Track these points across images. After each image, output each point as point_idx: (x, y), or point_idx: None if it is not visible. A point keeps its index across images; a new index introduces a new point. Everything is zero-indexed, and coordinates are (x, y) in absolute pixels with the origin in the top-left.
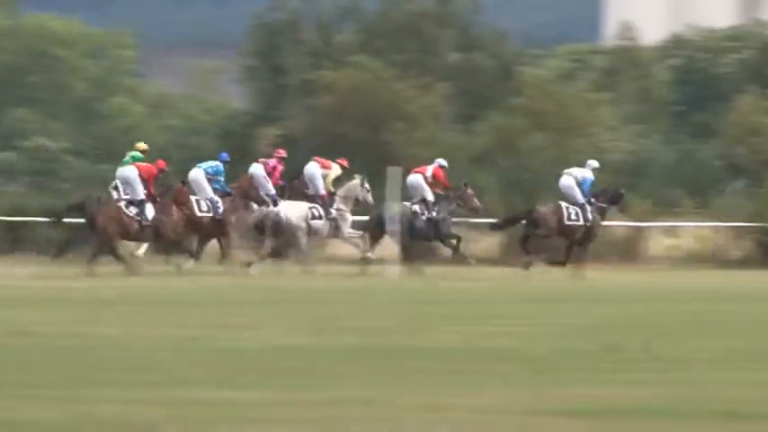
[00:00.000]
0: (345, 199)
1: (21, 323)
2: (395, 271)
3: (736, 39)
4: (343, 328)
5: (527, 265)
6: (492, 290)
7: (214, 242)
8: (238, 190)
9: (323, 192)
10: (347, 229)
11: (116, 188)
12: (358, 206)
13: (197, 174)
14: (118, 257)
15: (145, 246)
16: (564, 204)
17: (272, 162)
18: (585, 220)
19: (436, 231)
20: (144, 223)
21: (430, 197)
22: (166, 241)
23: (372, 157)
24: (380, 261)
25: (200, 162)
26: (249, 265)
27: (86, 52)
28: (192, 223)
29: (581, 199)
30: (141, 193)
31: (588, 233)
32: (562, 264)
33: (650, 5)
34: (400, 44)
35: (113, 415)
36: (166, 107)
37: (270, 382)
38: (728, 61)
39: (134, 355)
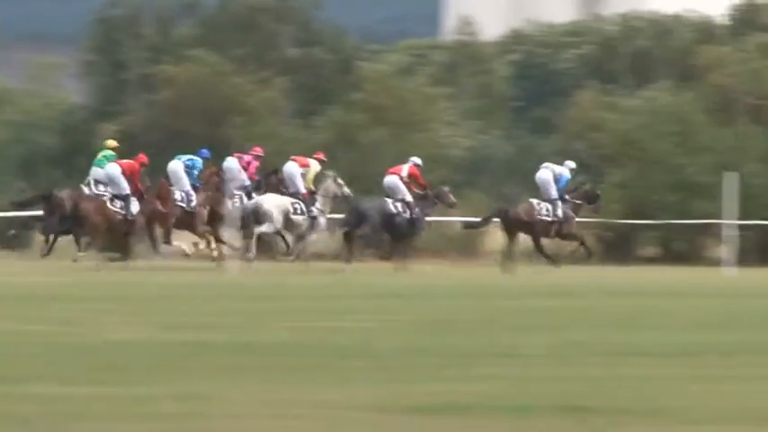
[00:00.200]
0: (324, 199)
1: None
2: (235, 266)
3: (575, 34)
4: (184, 323)
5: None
6: (336, 285)
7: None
8: (208, 184)
9: (303, 190)
10: (316, 232)
11: (88, 185)
12: (336, 202)
13: (176, 165)
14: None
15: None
16: (535, 201)
17: (247, 158)
18: (555, 215)
19: (413, 230)
20: (129, 218)
21: (409, 197)
22: (151, 235)
23: (212, 151)
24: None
25: (180, 155)
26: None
27: None
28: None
29: (554, 194)
30: (125, 188)
31: (560, 229)
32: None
33: (490, 0)
34: (239, 38)
35: None
36: (6, 102)
37: (101, 377)
38: (568, 56)
39: None
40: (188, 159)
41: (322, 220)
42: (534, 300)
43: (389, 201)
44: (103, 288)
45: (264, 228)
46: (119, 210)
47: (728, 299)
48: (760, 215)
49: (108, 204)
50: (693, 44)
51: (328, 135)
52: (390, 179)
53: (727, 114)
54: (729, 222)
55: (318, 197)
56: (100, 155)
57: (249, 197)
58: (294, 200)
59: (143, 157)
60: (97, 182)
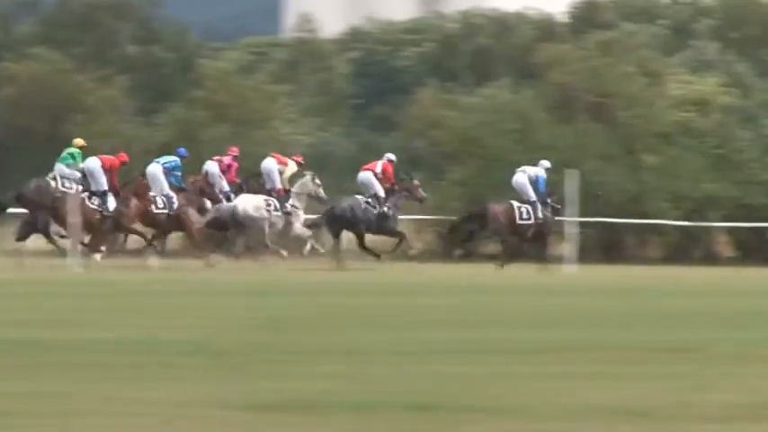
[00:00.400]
0: (299, 195)
1: None
2: (77, 263)
3: (415, 31)
4: (23, 320)
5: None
6: (180, 282)
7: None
8: (195, 186)
9: (279, 186)
10: (298, 226)
11: (54, 179)
12: (310, 201)
13: (154, 168)
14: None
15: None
16: (516, 204)
17: (227, 160)
18: (536, 218)
19: (382, 225)
20: (105, 214)
21: (381, 193)
22: (125, 232)
23: (54, 149)
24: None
25: (159, 157)
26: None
27: None
28: (149, 219)
29: (533, 196)
30: (104, 184)
31: (540, 231)
32: (502, 263)
33: None
34: (79, 36)
35: None
36: None
37: None
38: (408, 54)
39: None
40: (167, 162)
41: (300, 214)
42: (378, 297)
43: (359, 197)
44: None
45: (260, 237)
46: (96, 207)
47: (569, 296)
48: (601, 213)
49: (86, 201)
50: (534, 42)
51: (170, 132)
52: (364, 175)
53: (567, 112)
54: (571, 220)
55: (293, 194)
56: (65, 152)
57: (228, 201)
58: (267, 197)
59: (124, 156)
60: (63, 178)
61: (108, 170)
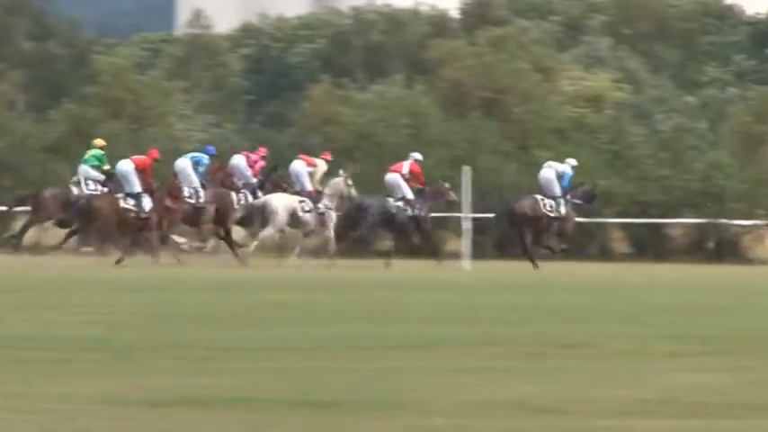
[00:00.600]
0: (331, 196)
1: None
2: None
3: (308, 28)
4: None
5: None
6: (84, 279)
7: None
8: (213, 179)
9: (310, 188)
10: (330, 228)
11: (77, 183)
12: (342, 201)
13: (183, 163)
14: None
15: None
16: (539, 197)
17: (255, 157)
18: (558, 212)
19: (418, 228)
20: (141, 215)
21: (410, 195)
22: (155, 232)
23: None
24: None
25: (187, 153)
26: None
27: None
28: (184, 215)
29: (558, 192)
30: (138, 186)
31: (561, 226)
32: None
33: None
34: None
35: None
36: None
37: None
38: (301, 50)
39: None
40: (194, 156)
41: (332, 215)
42: (277, 293)
43: (390, 199)
44: None
45: (266, 232)
46: (131, 207)
47: (465, 292)
48: (494, 208)
49: (121, 202)
50: (426, 38)
51: (64, 128)
52: (392, 176)
53: (460, 108)
54: (465, 215)
55: (325, 195)
56: (89, 153)
57: (254, 195)
58: (301, 198)
59: (155, 153)
60: (88, 180)
61: (141, 171)
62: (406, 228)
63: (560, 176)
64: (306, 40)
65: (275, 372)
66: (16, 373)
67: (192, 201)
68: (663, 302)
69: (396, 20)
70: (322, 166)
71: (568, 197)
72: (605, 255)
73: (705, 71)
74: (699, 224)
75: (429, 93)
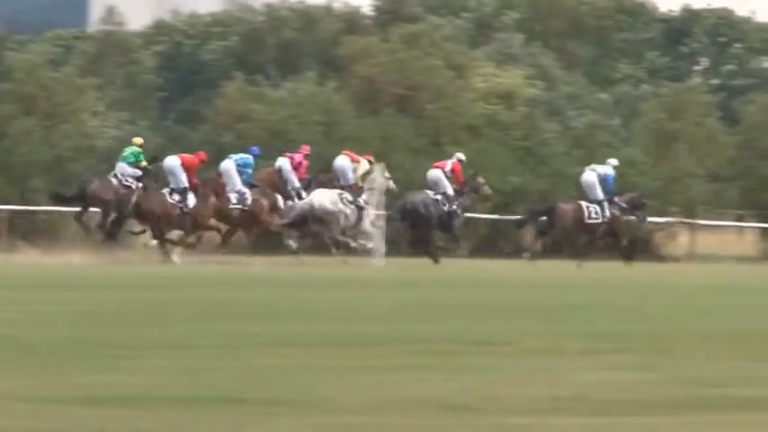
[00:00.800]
0: (370, 192)
1: None
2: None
3: (221, 25)
4: None
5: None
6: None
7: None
8: (264, 182)
9: (352, 182)
10: (368, 222)
11: (115, 176)
12: (385, 196)
13: (228, 165)
14: (162, 243)
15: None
16: (585, 204)
17: (298, 157)
18: (604, 216)
19: (448, 224)
20: (185, 211)
21: (451, 191)
22: (201, 229)
23: None
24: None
25: (232, 154)
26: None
27: None
28: (222, 215)
29: (600, 196)
30: (184, 181)
31: (610, 229)
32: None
33: None
34: None
35: None
36: None
37: None
38: (214, 47)
39: None
40: (240, 158)
41: (371, 211)
42: (199, 291)
43: (430, 192)
44: None
45: (334, 232)
46: (176, 203)
47: (378, 290)
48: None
49: (167, 198)
50: (339, 35)
51: None
52: (435, 173)
53: (373, 104)
54: (378, 213)
55: (365, 190)
56: (127, 151)
57: (299, 197)
58: (341, 191)
59: (202, 155)
60: (124, 176)
61: (187, 169)
62: (444, 222)
63: (603, 179)
64: (219, 38)
65: (186, 369)
66: None
67: (240, 206)
68: (576, 300)
69: (309, 17)
70: (364, 164)
71: (616, 199)
72: (519, 252)
73: (618, 68)
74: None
75: (342, 90)
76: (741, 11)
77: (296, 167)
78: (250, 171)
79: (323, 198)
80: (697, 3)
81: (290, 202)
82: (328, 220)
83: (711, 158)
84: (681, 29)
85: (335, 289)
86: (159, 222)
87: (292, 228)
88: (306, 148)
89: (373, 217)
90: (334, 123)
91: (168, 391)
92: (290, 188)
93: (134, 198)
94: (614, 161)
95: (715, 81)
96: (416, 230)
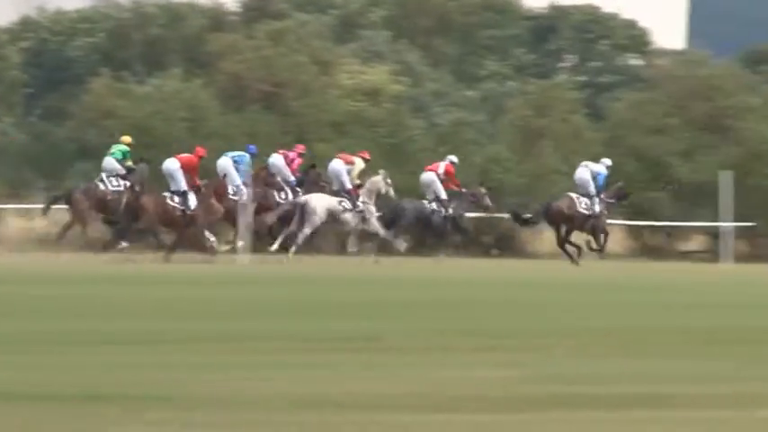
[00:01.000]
0: (369, 192)
1: None
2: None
3: (87, 21)
4: None
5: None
6: None
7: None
8: (257, 179)
9: (349, 186)
10: (374, 221)
11: (102, 180)
12: (380, 199)
13: (225, 161)
14: (161, 243)
15: None
16: (575, 195)
17: (292, 155)
18: (593, 211)
19: (455, 227)
20: (187, 212)
21: (443, 195)
22: (204, 230)
23: None
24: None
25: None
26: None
27: None
28: (228, 214)
29: (593, 191)
30: (184, 184)
31: (595, 224)
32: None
33: None
34: None
35: None
36: None
37: None
38: (80, 44)
39: None
40: (235, 156)
41: (372, 209)
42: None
43: (425, 202)
44: None
45: (304, 232)
46: (177, 205)
47: (243, 287)
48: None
49: (167, 200)
50: (205, 32)
51: None
52: (427, 175)
53: (239, 101)
54: (250, 210)
55: (363, 191)
56: (115, 149)
57: (294, 193)
58: (340, 198)
59: (201, 151)
60: (110, 176)
61: (187, 170)
62: (442, 228)
63: (595, 176)
64: (85, 34)
65: (48, 366)
66: None
67: (237, 198)
68: (435, 297)
69: (175, 13)
70: (359, 163)
71: (603, 196)
72: (385, 250)
73: (485, 65)
74: (476, 218)
75: (208, 86)
76: (608, 7)
77: (289, 164)
78: (245, 168)
79: (318, 203)
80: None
81: (282, 197)
82: (307, 220)
83: (577, 155)
84: (547, 26)
85: (204, 287)
86: (157, 223)
87: (280, 222)
88: (300, 147)
89: (375, 214)
90: (200, 120)
91: (30, 387)
92: (282, 182)
93: (124, 199)
94: (608, 161)
95: (581, 78)
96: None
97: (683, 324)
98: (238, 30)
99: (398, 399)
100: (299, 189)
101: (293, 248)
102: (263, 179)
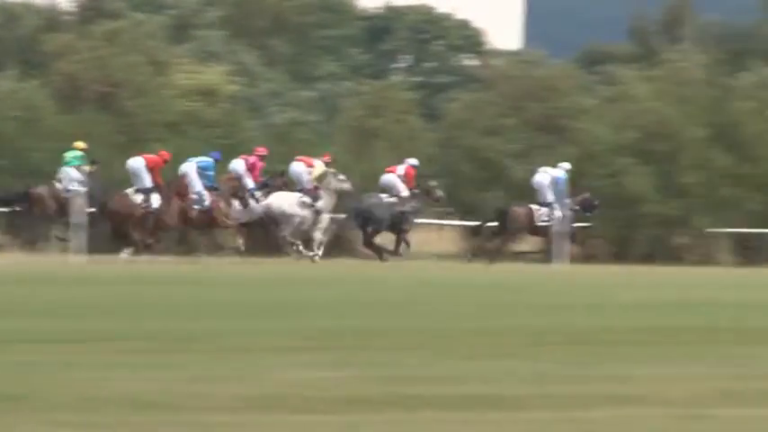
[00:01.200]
0: (327, 192)
1: None
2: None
3: None
4: None
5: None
6: None
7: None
8: (227, 185)
9: (310, 186)
10: (321, 227)
11: (59, 181)
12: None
13: (189, 167)
14: (133, 241)
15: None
16: (535, 207)
17: (252, 159)
18: (553, 219)
19: (399, 224)
20: (149, 210)
21: (405, 193)
22: (164, 229)
23: None
24: None
25: (192, 157)
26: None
27: None
28: (186, 217)
29: (550, 198)
30: (148, 182)
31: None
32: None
33: None
34: None
35: None
36: None
37: None
38: None
39: None
40: (200, 161)
41: (325, 216)
42: None
43: (383, 195)
44: None
45: (285, 232)
46: (141, 202)
47: (78, 286)
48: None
49: (131, 197)
50: (40, 32)
51: None
52: (388, 177)
53: (74, 101)
54: (81, 210)
55: (321, 192)
56: (68, 155)
57: (254, 199)
58: (301, 194)
59: (165, 155)
60: (71, 180)
61: (151, 169)
62: (399, 223)
63: (554, 182)
64: None
65: None
66: None
67: (198, 207)
68: (278, 299)
69: (9, 13)
70: (320, 166)
71: (568, 201)
72: (217, 249)
73: (320, 65)
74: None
75: (44, 86)
76: (442, 8)
77: (250, 169)
78: (212, 173)
79: (281, 201)
80: (398, 0)
81: (245, 203)
82: (282, 222)
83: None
84: (382, 26)
85: (37, 285)
86: (123, 222)
87: (243, 228)
88: (261, 150)
89: (327, 224)
90: (35, 120)
91: None
92: (243, 189)
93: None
94: (567, 164)
95: (417, 78)
96: (367, 231)
97: (511, 324)
98: (74, 30)
99: (236, 400)
100: (258, 194)
101: (315, 251)
102: (232, 188)
